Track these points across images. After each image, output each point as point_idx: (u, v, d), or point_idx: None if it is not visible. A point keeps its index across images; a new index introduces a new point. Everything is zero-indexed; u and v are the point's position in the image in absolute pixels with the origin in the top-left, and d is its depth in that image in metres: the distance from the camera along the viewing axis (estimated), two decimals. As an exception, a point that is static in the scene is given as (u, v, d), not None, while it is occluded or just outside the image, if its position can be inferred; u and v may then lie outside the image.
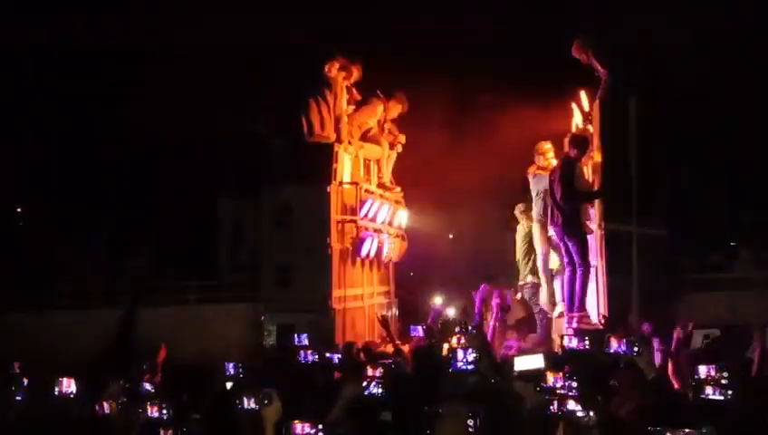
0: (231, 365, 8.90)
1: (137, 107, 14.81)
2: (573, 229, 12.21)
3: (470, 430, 6.58)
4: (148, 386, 8.67)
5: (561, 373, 7.70)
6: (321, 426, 6.33)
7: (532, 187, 13.60)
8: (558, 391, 7.51)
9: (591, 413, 6.82)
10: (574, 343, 9.15)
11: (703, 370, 8.00)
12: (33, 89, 14.82)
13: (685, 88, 13.11)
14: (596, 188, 12.63)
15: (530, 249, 13.92)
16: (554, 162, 13.54)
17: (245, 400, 6.99)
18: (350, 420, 6.96)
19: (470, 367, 8.59)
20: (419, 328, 12.29)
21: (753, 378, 8.63)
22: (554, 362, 9.21)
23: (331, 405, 7.22)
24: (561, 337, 10.20)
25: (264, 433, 6.68)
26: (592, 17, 14.25)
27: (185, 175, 14.49)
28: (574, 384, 7.53)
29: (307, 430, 6.29)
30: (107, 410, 7.49)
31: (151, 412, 7.33)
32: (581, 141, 12.60)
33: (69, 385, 7.95)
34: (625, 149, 12.73)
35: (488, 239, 16.77)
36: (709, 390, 7.39)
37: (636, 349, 8.07)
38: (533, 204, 13.55)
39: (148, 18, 15.08)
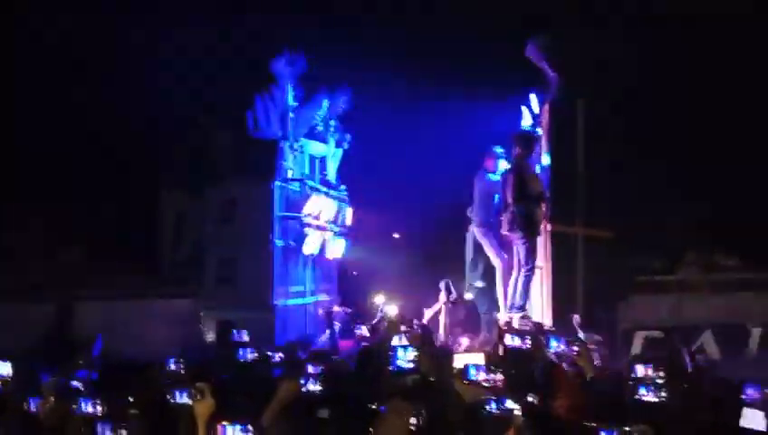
0: (172, 361, 8.87)
1: (79, 95, 14.65)
2: (521, 231, 12.33)
3: (412, 428, 6.64)
4: (75, 383, 8.62)
5: (483, 366, 7.86)
6: (250, 427, 6.30)
7: (476, 188, 13.70)
8: (483, 384, 7.66)
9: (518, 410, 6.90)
10: (516, 342, 9.27)
11: (640, 369, 8.18)
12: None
13: (632, 91, 13.29)
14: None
15: (477, 252, 14.04)
16: (501, 168, 13.67)
17: (177, 394, 6.96)
18: (285, 419, 6.95)
19: (410, 366, 8.68)
20: (363, 327, 12.40)
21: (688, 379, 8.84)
22: (495, 360, 9.37)
23: (266, 403, 7.22)
24: (502, 336, 10.36)
25: (196, 429, 6.65)
26: (544, 19, 14.37)
27: (127, 167, 14.34)
28: (499, 377, 7.67)
29: (237, 432, 6.27)
30: (34, 409, 7.40)
31: (85, 408, 7.28)
32: (525, 140, 12.67)
33: (3, 368, 7.87)
34: (573, 151, 12.93)
35: (435, 240, 16.84)
36: (643, 390, 7.51)
37: (575, 348, 8.22)
38: (475, 205, 13.64)
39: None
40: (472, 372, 7.96)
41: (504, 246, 13.00)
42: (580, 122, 12.91)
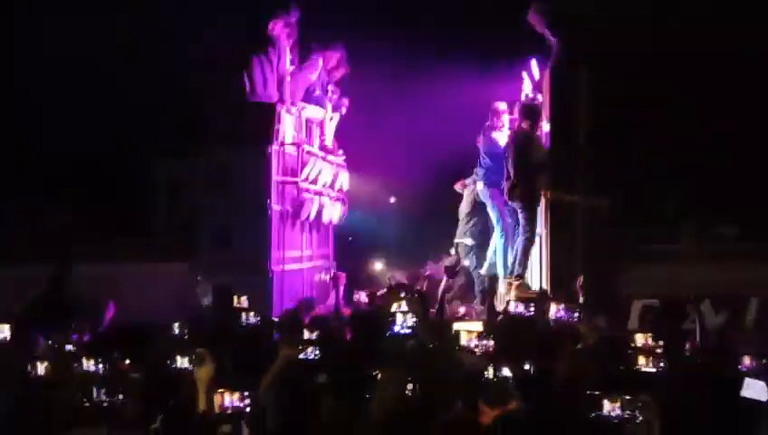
0: (176, 325, 8.92)
1: (70, 58, 14.58)
2: (525, 200, 12.42)
3: (408, 393, 6.70)
4: (69, 347, 8.67)
5: (476, 333, 7.97)
6: (247, 394, 6.36)
7: (481, 146, 13.75)
8: (475, 350, 7.76)
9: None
10: (520, 309, 9.33)
11: (640, 338, 8.26)
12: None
13: (635, 56, 13.28)
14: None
15: (473, 210, 14.11)
16: (507, 124, 13.71)
17: (178, 359, 7.02)
18: (283, 384, 7.01)
19: (407, 331, 8.76)
20: (361, 293, 12.47)
21: (691, 350, 8.89)
22: (494, 328, 9.44)
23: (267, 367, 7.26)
24: (507, 302, 10.43)
25: (196, 393, 6.70)
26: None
27: (121, 130, 14.32)
28: (491, 343, 7.77)
29: (235, 401, 6.33)
30: (41, 372, 7.46)
31: (87, 365, 7.35)
32: (533, 112, 12.79)
33: (2, 330, 7.92)
34: (574, 119, 12.93)
35: (434, 204, 16.87)
36: (642, 361, 7.58)
37: (576, 314, 8.28)
38: (479, 165, 13.71)
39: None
40: (464, 338, 8.08)
41: (508, 209, 13.06)
42: (582, 89, 12.90)
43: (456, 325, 9.86)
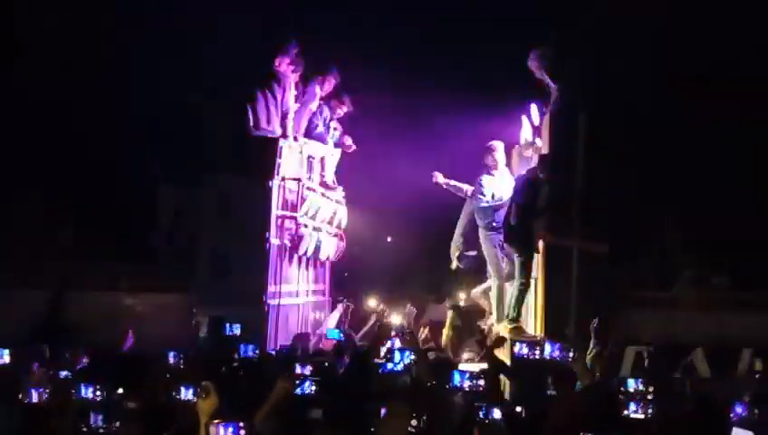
0: (172, 354, 8.99)
1: (81, 84, 14.74)
2: (519, 245, 12.54)
3: (411, 429, 6.80)
4: (64, 373, 8.75)
5: (468, 372, 8.09)
6: (242, 425, 6.40)
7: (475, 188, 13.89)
8: (466, 390, 7.88)
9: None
10: (524, 351, 9.40)
11: (631, 383, 8.37)
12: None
13: (633, 105, 13.45)
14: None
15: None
16: (502, 162, 13.83)
17: (183, 390, 7.05)
18: (278, 418, 7.07)
19: (400, 368, 8.88)
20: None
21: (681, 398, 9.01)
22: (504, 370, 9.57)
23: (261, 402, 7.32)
24: (512, 344, 10.53)
25: (198, 426, 6.75)
26: (546, 31, 14.52)
27: (126, 157, 14.44)
28: (481, 383, 7.89)
29: (229, 433, 6.37)
30: (35, 400, 7.49)
31: (85, 394, 7.38)
32: (551, 165, 12.80)
33: (2, 355, 7.97)
34: (572, 163, 13.08)
35: (429, 244, 17.01)
36: (633, 406, 7.66)
37: (571, 354, 8.39)
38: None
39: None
40: (457, 378, 8.20)
41: (504, 253, 13.19)
42: (581, 135, 13.04)
43: (461, 366, 9.95)
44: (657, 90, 13.80)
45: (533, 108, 14.13)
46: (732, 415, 7.65)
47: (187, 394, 7.07)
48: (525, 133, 14.55)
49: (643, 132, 13.70)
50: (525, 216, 12.42)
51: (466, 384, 8.22)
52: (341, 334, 12.46)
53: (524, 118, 14.45)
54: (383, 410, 6.74)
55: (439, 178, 14.35)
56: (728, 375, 11.50)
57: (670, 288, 13.45)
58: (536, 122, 14.15)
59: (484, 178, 13.64)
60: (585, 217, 12.89)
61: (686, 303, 13.15)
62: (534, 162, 13.99)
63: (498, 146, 13.96)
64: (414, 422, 6.67)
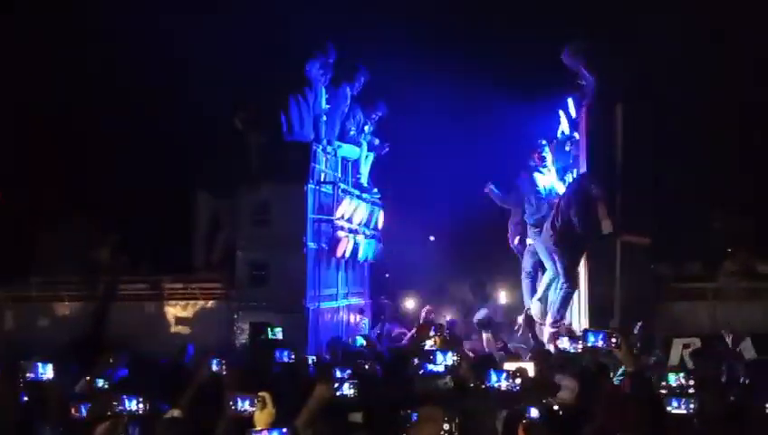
0: (215, 361, 9.05)
1: (113, 94, 14.96)
2: (574, 250, 12.57)
3: (444, 433, 6.77)
4: (101, 382, 8.82)
5: (505, 371, 8.03)
6: (285, 431, 6.41)
7: (523, 187, 13.94)
8: (503, 390, 7.83)
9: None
10: (568, 346, 9.33)
11: (672, 377, 8.28)
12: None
13: (671, 95, 13.37)
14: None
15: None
16: (550, 162, 13.85)
17: (239, 401, 7.00)
18: (319, 422, 7.09)
19: (441, 369, 8.86)
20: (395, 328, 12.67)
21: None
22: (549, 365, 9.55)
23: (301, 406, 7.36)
24: (556, 339, 10.52)
25: None
26: (579, 23, 14.50)
27: (159, 169, 14.63)
28: (518, 382, 7.83)
29: None
30: (83, 413, 7.51)
31: (128, 406, 7.41)
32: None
33: (45, 370, 8.01)
34: (611, 156, 13.04)
35: (466, 242, 17.04)
36: (675, 403, 7.55)
37: (614, 340, 8.31)
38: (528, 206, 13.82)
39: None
40: (493, 378, 8.15)
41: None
42: (619, 127, 13.00)
43: (508, 364, 9.91)
44: (695, 78, 13.73)
45: (570, 101, 14.16)
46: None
47: (243, 405, 7.00)
48: (563, 127, 14.57)
49: (683, 121, 13.64)
50: (574, 225, 12.49)
51: (504, 384, 8.16)
52: (365, 340, 12.60)
53: (561, 112, 14.47)
54: (414, 416, 6.73)
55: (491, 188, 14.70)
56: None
57: (715, 279, 13.32)
58: (573, 115, 14.15)
59: (536, 175, 13.70)
60: (627, 209, 12.87)
61: (731, 293, 13.04)
62: (574, 158, 14.04)
63: (545, 144, 14.02)
64: (446, 426, 6.62)
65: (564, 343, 9.36)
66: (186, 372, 9.28)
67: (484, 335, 13.01)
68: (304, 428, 6.92)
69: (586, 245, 12.93)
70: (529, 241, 14.22)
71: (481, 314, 13.99)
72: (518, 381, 7.87)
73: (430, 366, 9.06)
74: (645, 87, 13.04)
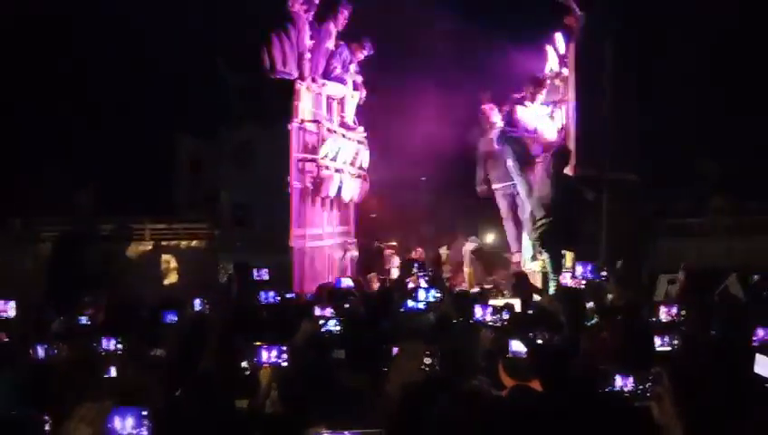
0: (198, 300, 9.11)
1: (89, 37, 14.85)
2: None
3: (425, 367, 6.84)
4: (84, 319, 8.85)
5: (490, 306, 8.10)
6: (285, 349, 6.51)
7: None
8: (489, 323, 7.89)
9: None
10: (570, 281, 9.36)
11: (663, 310, 8.35)
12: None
13: (661, 30, 13.33)
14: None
15: None
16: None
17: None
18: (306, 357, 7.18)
19: (422, 306, 8.94)
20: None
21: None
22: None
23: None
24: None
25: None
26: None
27: (140, 110, 14.56)
28: (506, 316, 7.90)
29: (272, 356, 6.47)
30: (41, 355, 7.48)
31: (107, 345, 7.44)
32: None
33: (7, 308, 8.00)
34: (600, 91, 13.03)
35: (452, 183, 17.06)
36: (658, 341, 7.62)
37: (603, 274, 8.37)
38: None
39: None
40: (478, 312, 8.23)
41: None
42: (608, 63, 12.98)
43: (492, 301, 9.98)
44: (683, 14, 13.68)
45: (558, 37, 14.09)
46: (755, 339, 7.60)
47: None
48: (551, 63, 14.52)
49: (672, 57, 13.62)
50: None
51: (489, 318, 8.23)
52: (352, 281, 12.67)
53: (549, 48, 14.40)
54: (395, 350, 6.80)
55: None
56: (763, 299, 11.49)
57: (702, 215, 13.40)
58: (562, 51, 14.10)
59: (519, 110, 13.68)
60: (616, 145, 12.89)
61: (717, 229, 13.13)
62: (562, 90, 14.02)
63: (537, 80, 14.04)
64: (428, 360, 6.69)
65: (566, 279, 9.38)
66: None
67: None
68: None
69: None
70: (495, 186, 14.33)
71: (471, 245, 14.11)
72: (505, 316, 7.95)
73: (411, 303, 9.12)
74: (635, 24, 12.97)
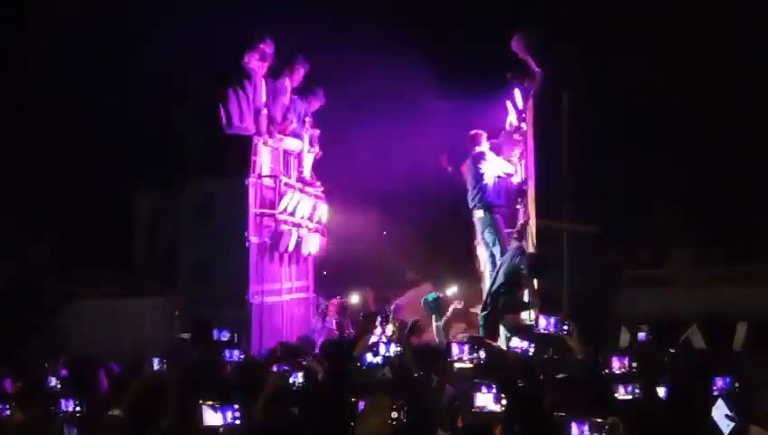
0: (156, 360, 9.09)
1: (46, 87, 14.85)
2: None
3: (392, 422, 6.87)
4: (53, 381, 8.81)
5: (467, 344, 8.16)
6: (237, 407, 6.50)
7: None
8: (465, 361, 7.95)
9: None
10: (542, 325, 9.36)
11: (615, 363, 8.43)
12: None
13: (618, 87, 13.58)
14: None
15: None
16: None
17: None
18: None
19: (378, 361, 8.99)
20: (332, 321, 12.76)
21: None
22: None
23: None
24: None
25: None
26: (531, 15, 14.67)
27: (96, 164, 14.56)
28: (482, 355, 7.96)
29: (228, 418, 6.45)
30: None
31: (66, 407, 7.39)
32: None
33: None
34: (558, 146, 13.22)
35: (412, 236, 17.20)
36: (621, 389, 7.70)
37: (566, 327, 8.45)
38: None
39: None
40: (455, 351, 8.26)
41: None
42: (565, 118, 13.18)
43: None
44: (643, 69, 13.95)
45: (517, 92, 14.33)
46: (714, 388, 7.72)
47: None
48: (511, 117, 14.75)
49: (628, 113, 13.85)
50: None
51: (466, 357, 8.25)
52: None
53: (509, 103, 14.64)
54: (362, 405, 6.83)
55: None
56: (725, 349, 11.66)
57: (664, 266, 13.58)
58: (520, 106, 14.34)
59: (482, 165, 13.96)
60: (574, 199, 13.07)
61: (679, 280, 13.31)
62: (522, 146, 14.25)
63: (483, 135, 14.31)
64: (395, 414, 6.73)
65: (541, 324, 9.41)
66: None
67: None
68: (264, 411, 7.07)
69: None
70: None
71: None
72: (482, 353, 8.02)
73: (369, 358, 9.16)
74: (592, 81, 13.22)
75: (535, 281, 12.85)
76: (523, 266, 12.61)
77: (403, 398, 6.97)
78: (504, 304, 12.68)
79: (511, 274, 12.69)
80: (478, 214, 13.98)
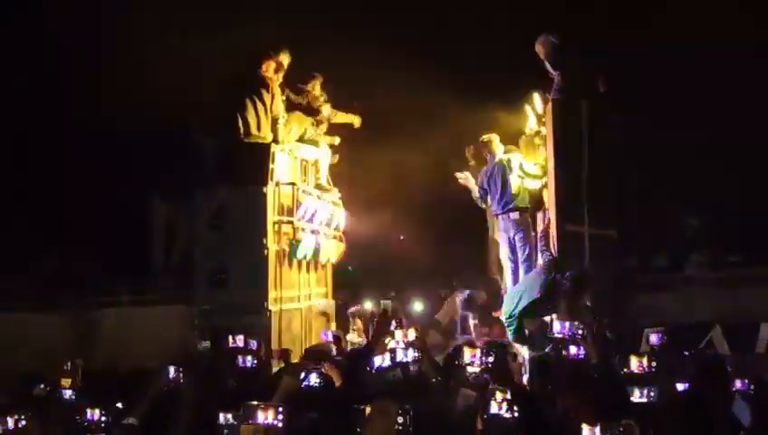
0: (172, 368, 9.14)
1: (66, 99, 14.99)
2: None
3: (399, 427, 6.88)
4: (69, 392, 8.88)
5: (477, 351, 8.16)
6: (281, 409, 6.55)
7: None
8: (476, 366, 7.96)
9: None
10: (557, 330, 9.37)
11: (634, 362, 8.43)
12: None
13: (636, 91, 13.57)
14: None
15: None
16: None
17: (221, 416, 7.06)
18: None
19: (388, 365, 9.00)
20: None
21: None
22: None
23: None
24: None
25: None
26: (551, 19, 14.68)
27: (114, 173, 14.68)
28: (491, 359, 7.97)
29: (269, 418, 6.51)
30: (10, 426, 7.48)
31: (91, 416, 7.45)
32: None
33: None
34: (577, 151, 13.21)
35: (436, 242, 17.20)
36: (637, 392, 7.70)
37: (580, 331, 8.44)
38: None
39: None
40: (467, 356, 8.28)
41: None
42: (585, 122, 13.16)
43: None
44: (661, 73, 13.93)
45: (536, 96, 14.31)
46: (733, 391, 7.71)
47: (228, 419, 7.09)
48: (530, 122, 14.74)
49: (647, 117, 13.84)
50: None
51: (477, 363, 8.26)
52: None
53: (527, 107, 14.63)
54: (368, 410, 6.85)
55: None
56: (747, 352, 11.63)
57: (682, 270, 13.53)
58: (539, 111, 14.32)
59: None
60: (593, 203, 13.04)
61: (698, 283, 13.26)
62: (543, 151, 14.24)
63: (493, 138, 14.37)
64: (401, 420, 6.74)
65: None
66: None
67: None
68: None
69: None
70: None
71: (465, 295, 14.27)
72: (491, 359, 8.03)
73: (378, 362, 9.19)
74: (610, 86, 13.20)
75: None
76: (566, 282, 12.53)
77: (410, 403, 6.99)
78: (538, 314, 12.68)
79: (549, 287, 12.62)
80: (514, 216, 14.05)
